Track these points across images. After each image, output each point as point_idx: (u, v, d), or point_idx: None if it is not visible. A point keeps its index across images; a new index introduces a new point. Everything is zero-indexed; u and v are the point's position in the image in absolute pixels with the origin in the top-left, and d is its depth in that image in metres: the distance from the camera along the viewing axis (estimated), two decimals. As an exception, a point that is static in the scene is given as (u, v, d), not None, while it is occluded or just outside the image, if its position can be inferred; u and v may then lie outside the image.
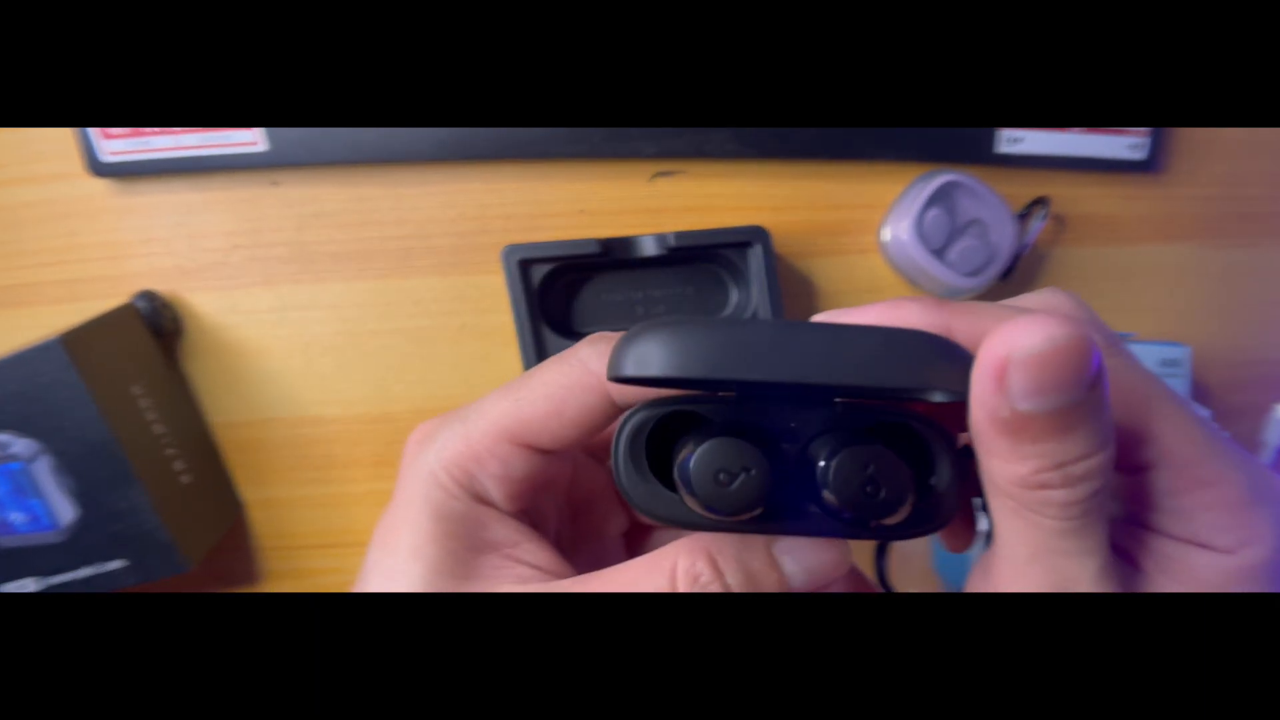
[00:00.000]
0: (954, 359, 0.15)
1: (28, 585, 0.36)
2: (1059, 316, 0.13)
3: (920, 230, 0.39)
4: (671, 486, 0.16)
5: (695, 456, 0.15)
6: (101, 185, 0.39)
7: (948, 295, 0.40)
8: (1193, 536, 0.16)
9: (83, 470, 0.34)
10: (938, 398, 0.16)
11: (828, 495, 0.15)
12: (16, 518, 0.35)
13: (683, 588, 0.16)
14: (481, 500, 0.19)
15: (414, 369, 0.42)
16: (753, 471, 0.15)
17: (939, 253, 0.40)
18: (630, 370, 0.15)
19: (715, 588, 0.16)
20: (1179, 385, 0.40)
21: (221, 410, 0.42)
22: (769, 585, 0.16)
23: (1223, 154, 0.43)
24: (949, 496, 0.16)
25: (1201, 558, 0.16)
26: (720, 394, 0.16)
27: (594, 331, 0.22)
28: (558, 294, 0.40)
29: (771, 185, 0.41)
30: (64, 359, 0.33)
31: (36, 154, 0.38)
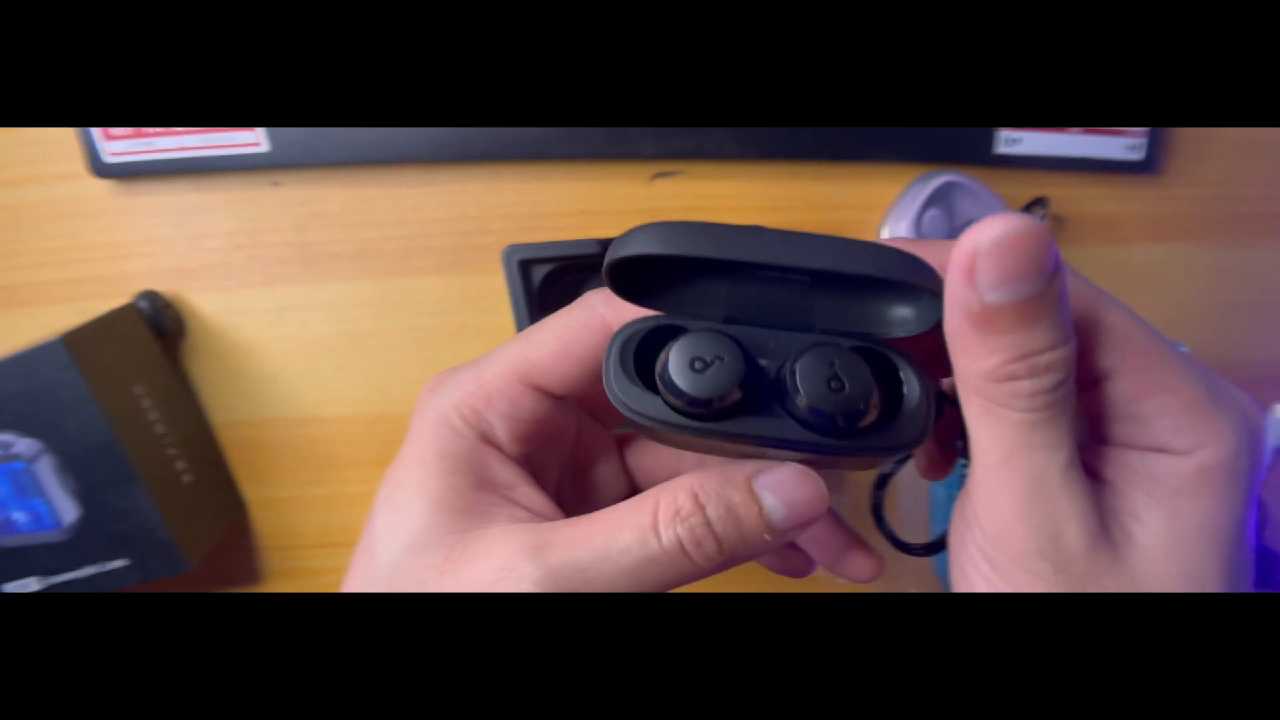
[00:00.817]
0: (927, 269, 0.16)
1: (30, 584, 0.36)
2: (1017, 215, 0.14)
3: (919, 231, 0.39)
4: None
5: (673, 348, 0.16)
6: (103, 185, 0.39)
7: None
8: (1152, 442, 0.16)
9: (85, 470, 0.34)
10: (911, 326, 0.17)
11: (798, 399, 0.16)
12: (19, 517, 0.35)
13: (664, 522, 0.17)
14: (487, 441, 0.20)
15: (414, 369, 0.42)
16: (725, 359, 0.16)
17: (938, 253, 0.40)
18: (625, 251, 0.16)
19: (696, 520, 0.17)
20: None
21: (223, 410, 0.42)
22: (749, 519, 0.17)
23: (1220, 154, 0.43)
24: (919, 412, 0.17)
25: (1162, 463, 0.16)
26: (706, 315, 0.17)
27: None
28: (558, 294, 0.40)
29: (771, 185, 0.41)
30: (66, 359, 0.33)
31: (39, 154, 0.39)
